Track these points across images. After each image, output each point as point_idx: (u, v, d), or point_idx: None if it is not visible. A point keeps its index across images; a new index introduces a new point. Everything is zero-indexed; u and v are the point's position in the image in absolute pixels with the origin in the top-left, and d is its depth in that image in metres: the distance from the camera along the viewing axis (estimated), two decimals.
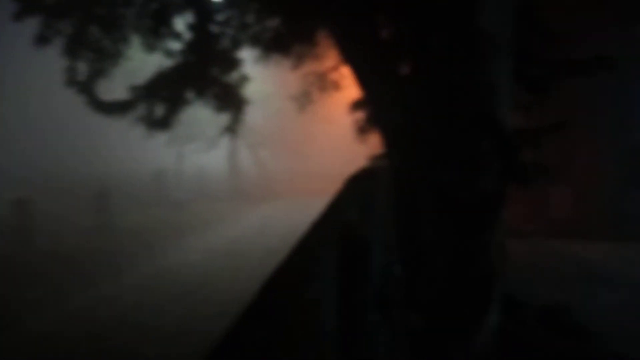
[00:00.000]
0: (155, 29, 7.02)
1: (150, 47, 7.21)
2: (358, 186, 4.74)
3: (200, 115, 16.58)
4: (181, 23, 7.55)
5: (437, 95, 4.99)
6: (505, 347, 5.41)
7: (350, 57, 5.85)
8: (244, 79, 7.92)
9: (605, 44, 10.49)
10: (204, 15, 7.37)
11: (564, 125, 6.33)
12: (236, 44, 7.58)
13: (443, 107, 4.99)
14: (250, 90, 8.67)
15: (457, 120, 4.97)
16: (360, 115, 7.07)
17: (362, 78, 5.65)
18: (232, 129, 8.15)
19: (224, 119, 8.20)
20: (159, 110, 7.57)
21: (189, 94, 7.59)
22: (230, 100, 7.78)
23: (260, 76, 16.20)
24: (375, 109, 6.04)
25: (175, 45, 7.44)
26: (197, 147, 22.98)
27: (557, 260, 10.93)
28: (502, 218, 5.38)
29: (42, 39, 7.00)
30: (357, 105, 6.88)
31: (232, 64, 7.66)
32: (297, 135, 24.92)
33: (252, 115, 16.35)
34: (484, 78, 5.00)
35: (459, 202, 5.08)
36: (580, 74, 5.98)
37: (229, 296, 9.13)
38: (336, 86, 9.65)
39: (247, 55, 8.01)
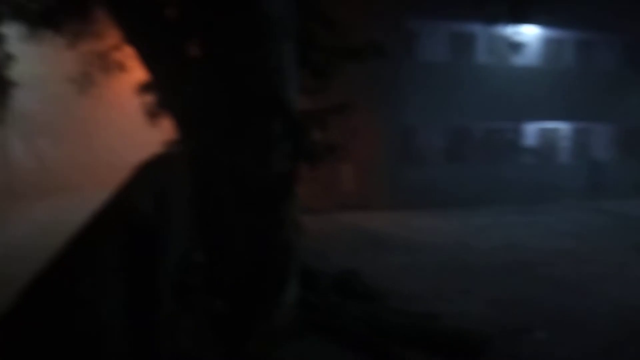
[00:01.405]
0: None
1: None
2: (150, 174, 4.50)
3: None
4: None
5: (227, 78, 4.97)
6: (304, 317, 5.74)
7: (132, 36, 5.47)
8: (9, 58, 6.89)
9: (381, 34, 11.60)
10: None
11: (346, 108, 6.87)
12: None
13: (233, 89, 5.00)
14: (18, 72, 7.61)
15: (248, 103, 5.03)
16: (149, 98, 6.69)
17: (147, 59, 5.34)
18: None
19: None
20: None
21: None
22: None
23: (31, 56, 14.22)
24: (164, 92, 5.79)
25: None
26: None
27: (347, 232, 11.96)
28: (296, 196, 5.65)
29: None
30: (144, 88, 6.49)
31: None
32: (82, 121, 22.67)
33: (24, 100, 14.32)
34: (271, 62, 5.14)
35: (253, 182, 5.18)
36: (356, 60, 6.53)
37: None
38: (121, 67, 8.95)
39: (12, 31, 6.98)
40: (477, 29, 16.03)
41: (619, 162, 19.36)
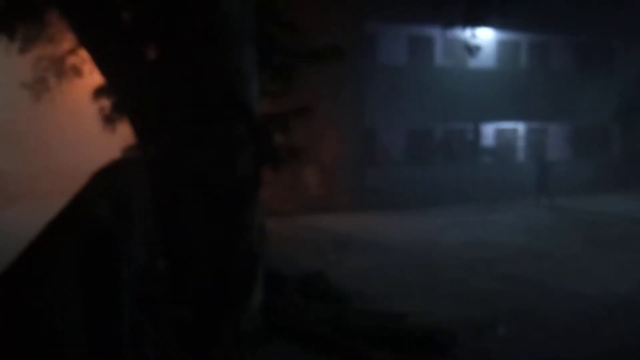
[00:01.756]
0: None
1: None
2: (108, 179, 4.39)
3: None
4: None
5: (186, 81, 4.91)
6: (270, 321, 5.70)
7: (86, 40, 5.34)
8: None
9: (341, 37, 11.68)
10: None
11: (308, 111, 6.87)
12: None
13: (193, 93, 4.94)
14: None
15: (209, 106, 4.98)
16: (105, 102, 6.53)
17: (102, 63, 5.22)
18: None
19: None
20: None
21: None
22: None
23: None
24: (121, 96, 5.66)
25: None
26: None
27: (313, 234, 11.95)
28: (260, 200, 5.62)
29: None
30: (100, 92, 6.34)
31: None
32: (39, 128, 21.94)
33: None
34: (231, 64, 5.10)
35: (216, 187, 5.12)
36: (316, 62, 6.55)
37: None
38: (77, 72, 8.72)
39: None
40: (434, 32, 16.33)
41: (573, 160, 20.05)
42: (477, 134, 18.30)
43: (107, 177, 4.36)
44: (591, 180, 19.38)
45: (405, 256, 9.72)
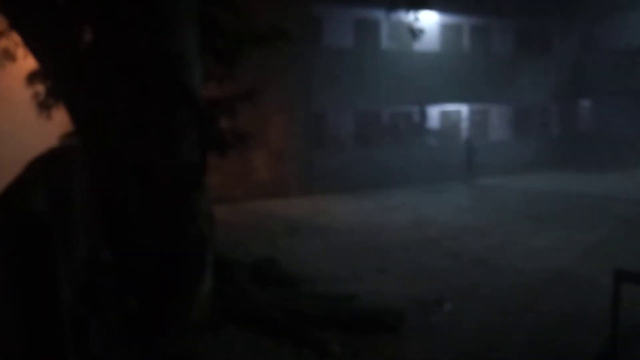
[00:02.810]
0: None
1: None
2: (44, 169, 4.19)
3: None
4: None
5: (125, 65, 4.72)
6: (221, 309, 5.65)
7: (18, 23, 5.03)
8: None
9: (287, 20, 11.54)
10: None
11: (254, 95, 6.78)
12: None
13: (133, 77, 4.76)
14: None
15: (149, 91, 4.82)
16: (40, 88, 6.21)
17: (35, 46, 4.93)
18: None
19: None
20: None
21: None
22: None
23: None
24: (56, 81, 5.39)
25: None
26: None
27: (263, 219, 11.91)
28: (206, 186, 5.52)
29: None
30: (34, 77, 6.01)
31: None
32: None
33: None
34: (172, 47, 4.94)
35: (160, 174, 4.99)
36: (261, 45, 6.45)
37: None
38: (10, 56, 8.24)
39: None
40: (380, 15, 16.42)
41: (514, 140, 20.80)
42: (423, 116, 18.65)
43: (43, 167, 4.17)
44: (531, 159, 20.20)
45: (354, 238, 9.85)
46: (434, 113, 18.98)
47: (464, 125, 19.55)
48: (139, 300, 5.28)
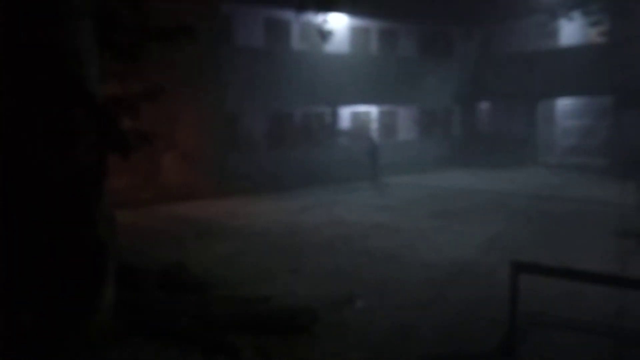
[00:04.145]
0: None
1: None
2: None
3: None
4: None
5: (15, 63, 4.33)
6: (126, 319, 5.36)
7: None
8: None
9: (197, 18, 11.22)
10: None
11: (158, 93, 6.51)
12: None
13: (24, 75, 4.38)
14: None
15: (42, 90, 4.45)
16: None
17: None
18: None
19: None
20: None
21: None
22: None
23: None
24: None
25: None
26: None
27: (172, 223, 11.50)
28: (106, 190, 5.20)
29: None
30: None
31: None
32: None
33: None
34: (67, 44, 4.61)
35: (54, 178, 4.63)
36: (165, 42, 6.19)
37: None
38: None
39: None
40: (290, 16, 16.48)
41: (420, 140, 21.69)
42: (334, 117, 18.94)
43: None
44: (436, 158, 21.19)
45: (268, 239, 9.77)
46: (345, 114, 19.35)
47: (374, 125, 20.11)
48: (33, 313, 4.87)
